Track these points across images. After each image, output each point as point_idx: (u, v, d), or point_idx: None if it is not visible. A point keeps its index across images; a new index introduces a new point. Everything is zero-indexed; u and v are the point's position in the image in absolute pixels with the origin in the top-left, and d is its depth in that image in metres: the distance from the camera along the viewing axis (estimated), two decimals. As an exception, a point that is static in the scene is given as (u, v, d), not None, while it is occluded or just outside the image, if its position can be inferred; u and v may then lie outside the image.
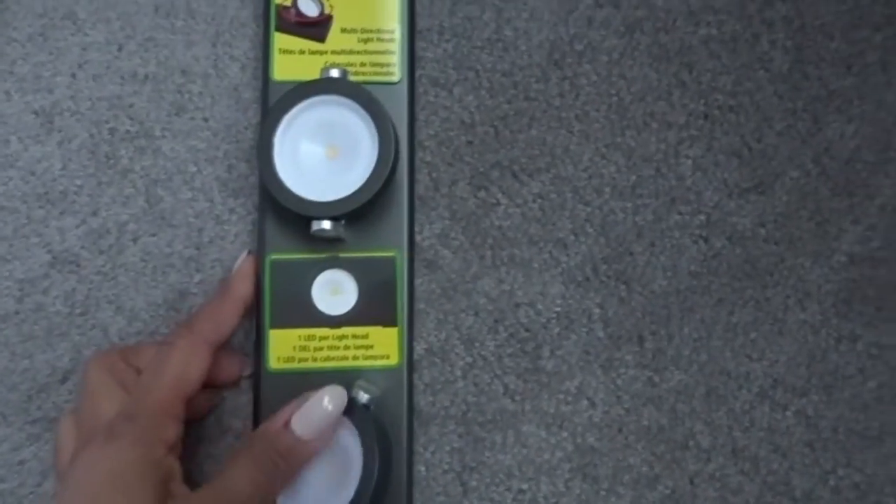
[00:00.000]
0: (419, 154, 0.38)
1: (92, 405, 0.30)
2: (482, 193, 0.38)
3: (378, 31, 0.36)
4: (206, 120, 0.38)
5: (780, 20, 0.39)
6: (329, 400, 0.30)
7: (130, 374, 0.31)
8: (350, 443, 0.32)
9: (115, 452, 0.28)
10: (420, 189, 0.38)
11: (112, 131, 0.38)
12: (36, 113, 0.38)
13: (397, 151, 0.34)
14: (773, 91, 0.39)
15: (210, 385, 0.34)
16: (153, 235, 0.37)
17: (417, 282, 0.37)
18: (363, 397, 0.32)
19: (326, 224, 0.32)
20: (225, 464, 0.30)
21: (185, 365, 0.30)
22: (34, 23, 0.38)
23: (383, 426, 0.32)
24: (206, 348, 0.31)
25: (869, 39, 0.39)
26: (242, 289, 0.34)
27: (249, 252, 0.35)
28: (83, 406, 0.31)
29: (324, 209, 0.32)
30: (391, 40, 0.36)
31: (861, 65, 0.39)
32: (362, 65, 0.36)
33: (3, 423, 0.36)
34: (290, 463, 0.30)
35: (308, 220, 0.33)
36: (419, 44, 0.38)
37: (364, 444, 0.31)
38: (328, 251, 0.35)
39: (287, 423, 0.30)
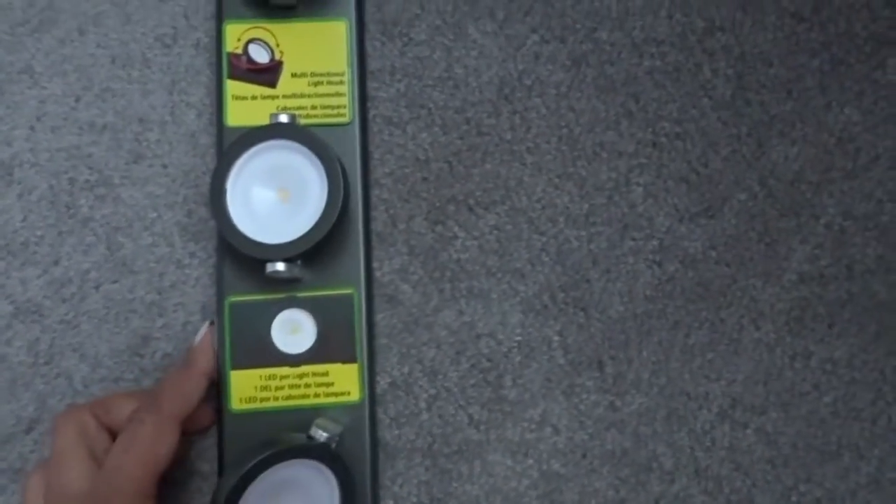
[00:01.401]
0: (375, 192, 0.39)
1: (60, 472, 0.31)
2: (439, 228, 0.39)
3: (328, 74, 0.37)
4: (164, 167, 0.38)
5: (720, 49, 0.40)
6: None
7: (101, 439, 0.32)
8: (314, 481, 0.32)
9: None
10: (378, 226, 0.38)
11: (71, 181, 0.38)
12: (-5, 166, 0.38)
13: (347, 191, 0.34)
14: (717, 117, 0.40)
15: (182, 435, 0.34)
16: (115, 282, 0.37)
17: (379, 317, 0.38)
18: (321, 436, 0.32)
19: (280, 266, 0.33)
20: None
21: (154, 444, 0.31)
22: (-8, 78, 0.39)
23: (345, 462, 0.32)
24: (173, 425, 0.32)
25: (807, 65, 0.40)
26: (205, 362, 0.34)
27: (211, 323, 0.36)
28: (52, 470, 0.31)
29: (277, 251, 0.33)
30: (341, 83, 0.37)
31: (800, 89, 0.40)
32: (313, 107, 0.37)
33: (-32, 476, 0.36)
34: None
35: (264, 262, 0.33)
36: (371, 84, 0.39)
37: (328, 481, 0.32)
38: (286, 291, 0.35)
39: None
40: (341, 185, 0.33)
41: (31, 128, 0.38)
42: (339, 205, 0.33)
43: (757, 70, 0.40)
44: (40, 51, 0.39)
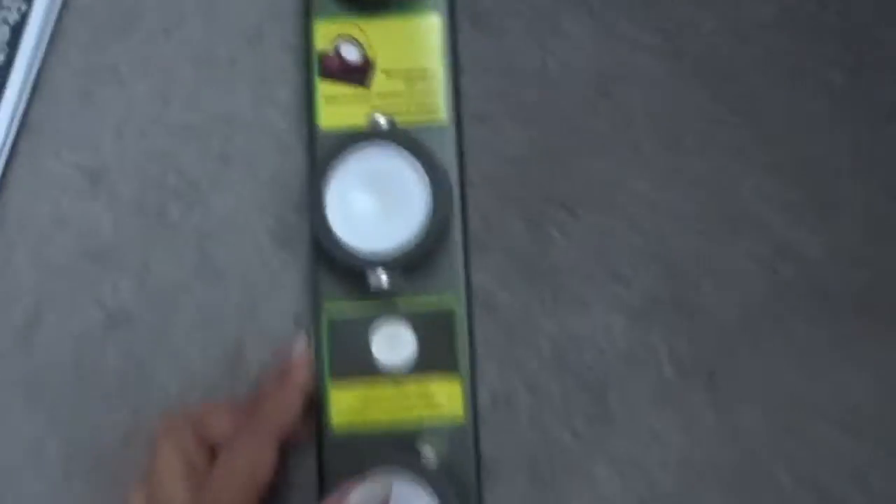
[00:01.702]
0: (469, 193, 0.37)
1: (161, 489, 0.30)
2: (536, 231, 0.37)
3: (422, 71, 0.36)
4: (252, 170, 0.37)
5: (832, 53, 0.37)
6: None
7: (201, 455, 0.31)
8: (416, 500, 0.31)
9: None
10: (472, 229, 0.37)
11: (160, 186, 0.37)
12: (84, 172, 0.38)
13: (452, 199, 0.33)
14: (828, 109, 0.37)
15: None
16: (207, 289, 0.37)
17: (476, 327, 0.36)
18: (430, 455, 0.31)
19: (384, 280, 0.32)
20: None
21: (254, 466, 0.30)
22: (78, 81, 0.38)
23: (453, 484, 0.31)
24: (273, 444, 0.31)
25: None
26: (302, 376, 0.33)
27: (307, 333, 0.35)
28: (153, 488, 0.31)
29: (379, 260, 0.32)
30: (435, 80, 0.36)
31: None
32: (407, 106, 0.35)
33: (68, 485, 0.36)
34: None
35: (363, 272, 0.32)
36: (463, 80, 0.37)
37: (432, 501, 0.31)
38: (385, 302, 0.34)
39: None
40: (448, 190, 0.31)
41: (119, 132, 0.38)
42: (446, 211, 0.31)
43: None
44: (125, 53, 0.38)
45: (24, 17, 0.37)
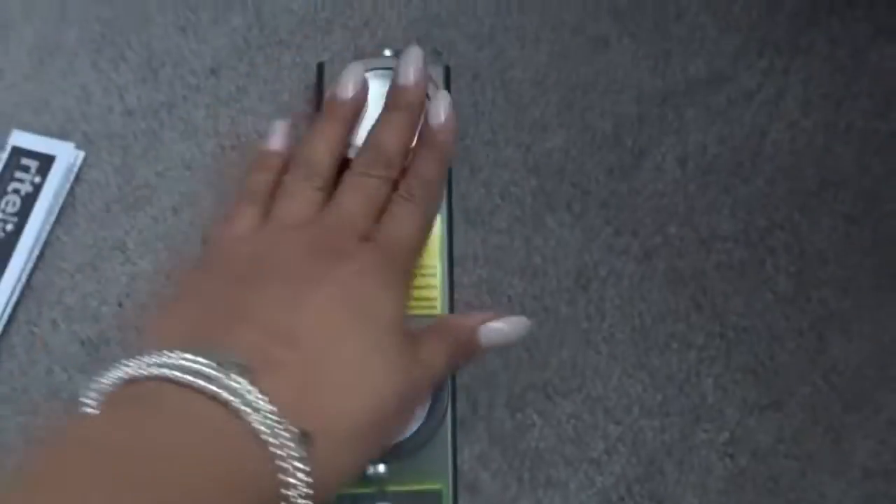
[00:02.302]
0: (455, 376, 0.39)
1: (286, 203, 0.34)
2: (518, 415, 0.39)
3: (420, 267, 0.39)
4: (251, 346, 0.39)
5: (781, 247, 0.43)
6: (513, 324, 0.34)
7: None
8: None
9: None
10: (458, 412, 0.39)
11: (158, 359, 0.38)
12: (82, 342, 0.38)
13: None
14: (780, 312, 0.42)
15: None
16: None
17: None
18: None
19: (382, 469, 0.33)
20: (422, 335, 0.32)
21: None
22: (84, 253, 0.39)
23: None
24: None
25: (861, 264, 0.43)
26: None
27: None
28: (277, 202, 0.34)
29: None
30: (433, 275, 0.39)
31: (855, 288, 0.42)
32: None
33: None
34: (463, 359, 0.34)
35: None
36: (455, 270, 0.41)
37: None
38: (373, 486, 0.36)
39: (477, 327, 0.33)
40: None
41: (120, 304, 0.39)
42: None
43: (815, 267, 0.43)
44: (134, 228, 0.40)
45: (36, 190, 0.39)
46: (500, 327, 0.34)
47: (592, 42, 0.44)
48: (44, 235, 0.39)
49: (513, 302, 0.41)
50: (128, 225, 0.40)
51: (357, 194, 0.33)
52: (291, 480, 0.24)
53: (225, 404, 0.24)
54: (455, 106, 0.35)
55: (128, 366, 0.25)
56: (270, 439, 0.24)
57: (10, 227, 0.38)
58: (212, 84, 0.42)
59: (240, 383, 0.25)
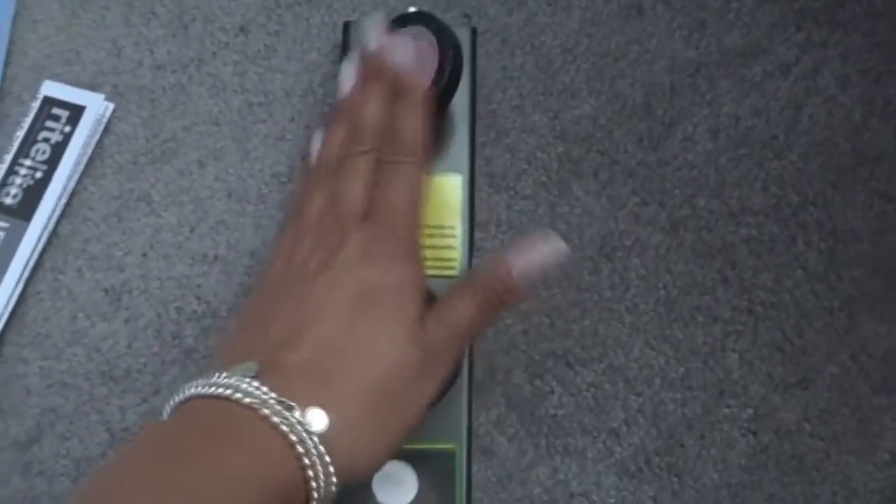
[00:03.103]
0: (475, 342, 0.39)
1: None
2: (537, 381, 0.39)
3: (440, 227, 0.38)
4: (271, 302, 0.39)
5: (813, 223, 0.42)
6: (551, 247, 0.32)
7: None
8: None
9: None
10: (476, 376, 0.39)
11: (179, 311, 0.39)
12: (105, 291, 0.39)
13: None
14: (810, 289, 0.41)
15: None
16: (213, 416, 0.37)
17: (473, 469, 0.37)
18: None
19: None
20: (446, 295, 0.32)
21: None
22: (110, 203, 0.40)
23: None
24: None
25: (894, 244, 0.42)
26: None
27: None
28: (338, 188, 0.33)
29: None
30: (452, 236, 0.38)
31: (888, 268, 0.41)
32: (425, 260, 0.38)
33: None
34: (504, 307, 0.32)
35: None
36: (477, 235, 0.40)
37: None
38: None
39: (510, 270, 0.32)
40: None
41: (144, 255, 0.39)
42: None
43: (848, 246, 0.41)
44: (159, 180, 0.40)
45: (66, 139, 0.39)
46: (532, 259, 0.32)
47: (625, 9, 0.43)
48: (71, 185, 0.39)
49: (535, 268, 0.40)
50: (154, 177, 0.40)
51: (351, 177, 0.33)
52: (311, 473, 0.26)
53: (246, 406, 0.27)
54: (481, 70, 0.35)
55: (191, 386, 0.29)
56: (285, 429, 0.26)
57: (39, 174, 0.39)
58: (241, 41, 0.42)
59: (252, 386, 0.27)
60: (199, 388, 0.28)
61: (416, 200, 0.33)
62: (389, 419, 0.30)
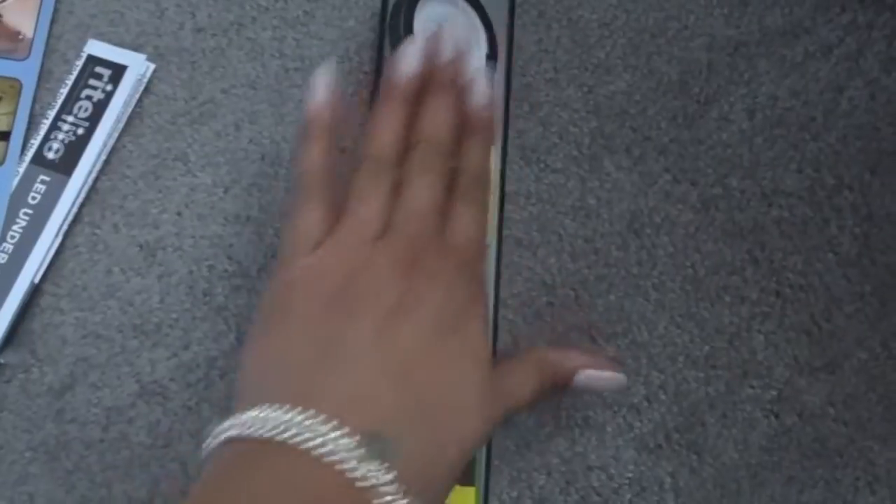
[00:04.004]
0: (501, 312, 0.39)
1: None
2: (560, 354, 0.39)
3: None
4: (300, 264, 0.40)
5: (848, 207, 0.41)
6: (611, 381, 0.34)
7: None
8: None
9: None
10: (500, 345, 0.39)
11: (211, 269, 0.39)
12: (140, 246, 0.39)
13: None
14: (841, 274, 0.40)
15: None
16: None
17: (493, 437, 0.38)
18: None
19: None
20: (507, 365, 0.32)
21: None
22: (147, 162, 0.40)
23: None
24: None
25: (933, 231, 0.41)
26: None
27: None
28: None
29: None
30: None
31: (926, 254, 0.41)
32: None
33: (74, 552, 0.36)
34: (550, 395, 0.34)
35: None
36: (506, 205, 0.40)
37: None
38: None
39: (574, 371, 0.33)
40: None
41: (179, 213, 0.40)
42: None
43: (883, 231, 0.41)
44: (196, 141, 0.41)
45: (107, 97, 0.40)
46: (599, 378, 0.34)
47: (665, -15, 0.43)
48: (111, 142, 0.40)
49: (563, 241, 0.40)
50: (191, 138, 0.41)
51: (423, 193, 0.31)
52: None
53: (319, 458, 0.25)
54: (516, 42, 0.35)
55: (232, 426, 0.27)
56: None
57: (80, 130, 0.40)
58: (280, 6, 0.42)
59: (341, 439, 0.25)
60: (253, 430, 0.26)
61: (485, 238, 0.33)
62: (455, 480, 0.30)
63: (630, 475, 0.38)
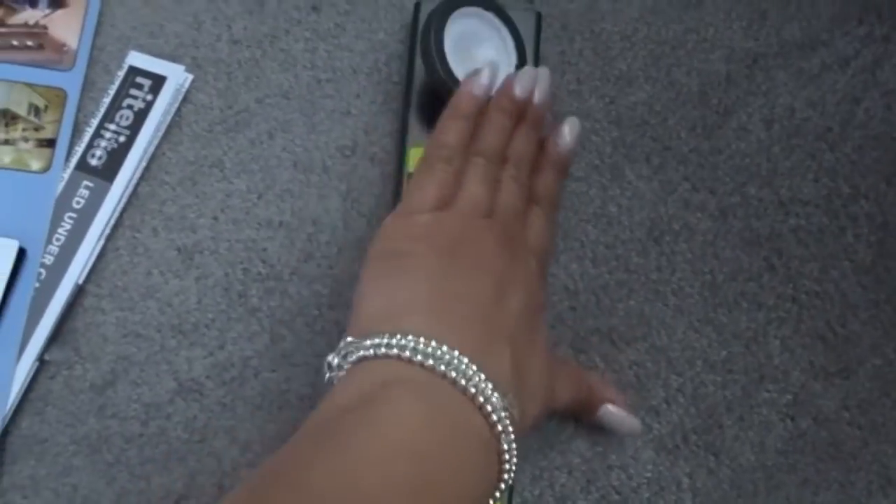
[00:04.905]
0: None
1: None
2: (582, 357, 0.40)
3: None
4: (331, 268, 0.41)
5: (863, 216, 0.42)
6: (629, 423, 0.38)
7: None
8: None
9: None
10: (523, 347, 0.40)
11: (245, 272, 0.41)
12: (178, 250, 0.41)
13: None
14: (857, 281, 0.41)
15: None
16: (273, 371, 0.40)
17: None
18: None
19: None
20: (554, 367, 0.34)
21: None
22: (185, 168, 0.42)
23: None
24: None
25: (948, 240, 0.42)
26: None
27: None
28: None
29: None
30: (509, 212, 0.40)
31: (940, 263, 0.41)
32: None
33: (114, 542, 0.38)
34: (576, 413, 0.38)
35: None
36: (530, 213, 0.42)
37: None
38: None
39: (605, 402, 0.37)
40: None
41: (215, 218, 0.42)
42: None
43: (898, 240, 0.42)
44: (232, 149, 0.42)
45: (148, 106, 0.42)
46: (619, 417, 0.37)
47: (686, -1, 0.44)
48: (151, 149, 0.42)
49: (585, 247, 0.42)
50: (227, 146, 0.42)
51: (516, 193, 0.36)
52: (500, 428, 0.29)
53: (453, 383, 0.29)
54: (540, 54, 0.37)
55: (366, 346, 0.30)
56: (493, 418, 0.29)
57: (122, 138, 0.42)
58: (312, 19, 0.44)
59: (472, 371, 0.29)
60: (392, 350, 0.29)
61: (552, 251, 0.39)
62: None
63: (649, 475, 0.39)
